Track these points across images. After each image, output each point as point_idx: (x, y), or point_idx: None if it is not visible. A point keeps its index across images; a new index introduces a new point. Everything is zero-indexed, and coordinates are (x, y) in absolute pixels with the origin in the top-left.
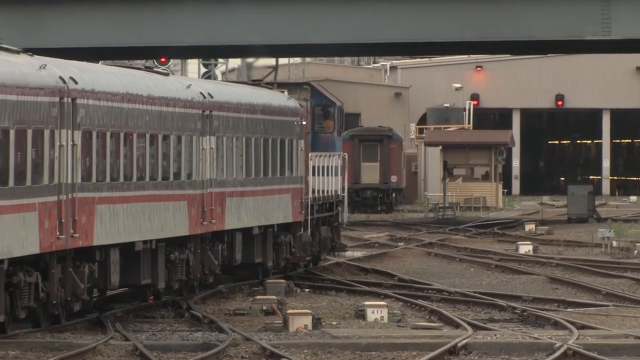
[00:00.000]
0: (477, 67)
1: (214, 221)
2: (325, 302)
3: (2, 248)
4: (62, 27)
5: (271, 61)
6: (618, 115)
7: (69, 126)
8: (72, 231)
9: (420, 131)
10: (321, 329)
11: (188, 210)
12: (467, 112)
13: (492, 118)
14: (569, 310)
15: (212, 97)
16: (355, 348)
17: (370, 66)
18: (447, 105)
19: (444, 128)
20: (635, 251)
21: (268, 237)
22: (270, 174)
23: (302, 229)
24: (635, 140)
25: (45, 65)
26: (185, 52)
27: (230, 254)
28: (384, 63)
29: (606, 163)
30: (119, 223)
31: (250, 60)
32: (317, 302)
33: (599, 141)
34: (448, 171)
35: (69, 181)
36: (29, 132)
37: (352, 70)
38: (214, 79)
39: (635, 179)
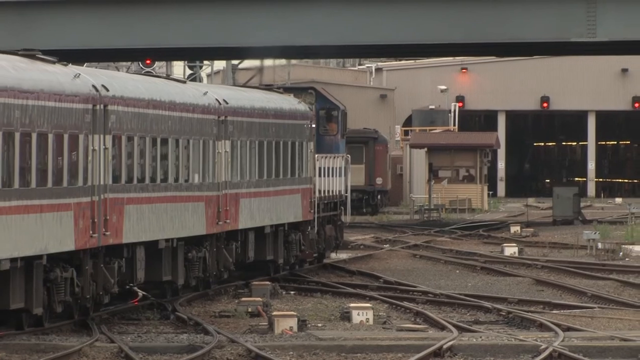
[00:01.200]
0: (463, 69)
1: (228, 221)
2: (310, 304)
3: (41, 245)
4: (49, 29)
5: (256, 63)
6: (603, 117)
7: (101, 131)
8: (103, 230)
9: (406, 133)
10: (306, 330)
11: (205, 211)
12: (452, 114)
13: (477, 120)
14: (554, 312)
15: (227, 103)
16: (341, 350)
17: (356, 68)
18: (433, 107)
19: (430, 130)
20: (621, 253)
21: (279, 235)
22: (282, 175)
23: (309, 227)
24: (620, 142)
25: (79, 74)
26: (170, 54)
27: (243, 251)
28: (370, 65)
29: (591, 165)
30: (144, 222)
31: (235, 62)
32: (302, 304)
33: (585, 143)
34: (433, 173)
35: (101, 182)
36: (66, 137)
37: (338, 72)
38: (200, 81)
39: (620, 180)
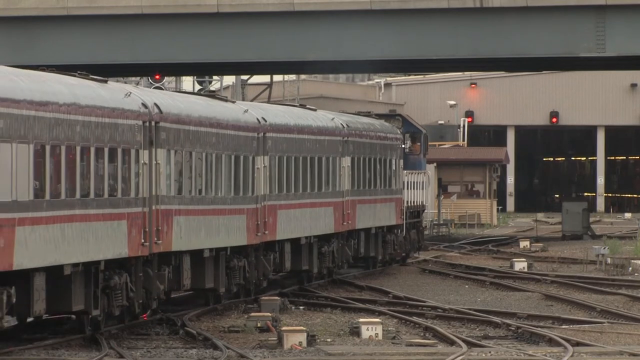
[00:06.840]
0: (472, 84)
1: (350, 222)
2: (319, 319)
3: (226, 239)
4: (56, 44)
5: (266, 78)
6: (613, 132)
7: (261, 153)
8: (264, 230)
9: None
10: (316, 346)
11: (333, 214)
12: (461, 129)
13: (486, 135)
14: (563, 327)
15: (348, 126)
16: None
17: (365, 83)
18: (442, 122)
19: (439, 145)
20: (630, 268)
21: (378, 236)
22: (382, 186)
23: (399, 230)
24: (629, 157)
25: (247, 109)
26: (179, 70)
27: (357, 248)
28: (379, 80)
29: (601, 180)
30: (291, 224)
31: (244, 77)
32: (311, 319)
33: (594, 158)
34: (442, 188)
35: (262, 193)
36: (241, 158)
37: (347, 87)
38: None
39: (629, 195)
